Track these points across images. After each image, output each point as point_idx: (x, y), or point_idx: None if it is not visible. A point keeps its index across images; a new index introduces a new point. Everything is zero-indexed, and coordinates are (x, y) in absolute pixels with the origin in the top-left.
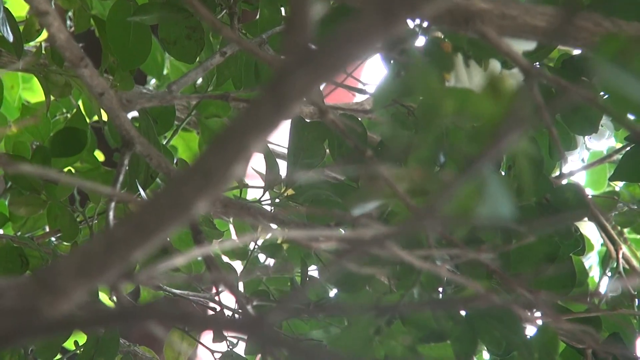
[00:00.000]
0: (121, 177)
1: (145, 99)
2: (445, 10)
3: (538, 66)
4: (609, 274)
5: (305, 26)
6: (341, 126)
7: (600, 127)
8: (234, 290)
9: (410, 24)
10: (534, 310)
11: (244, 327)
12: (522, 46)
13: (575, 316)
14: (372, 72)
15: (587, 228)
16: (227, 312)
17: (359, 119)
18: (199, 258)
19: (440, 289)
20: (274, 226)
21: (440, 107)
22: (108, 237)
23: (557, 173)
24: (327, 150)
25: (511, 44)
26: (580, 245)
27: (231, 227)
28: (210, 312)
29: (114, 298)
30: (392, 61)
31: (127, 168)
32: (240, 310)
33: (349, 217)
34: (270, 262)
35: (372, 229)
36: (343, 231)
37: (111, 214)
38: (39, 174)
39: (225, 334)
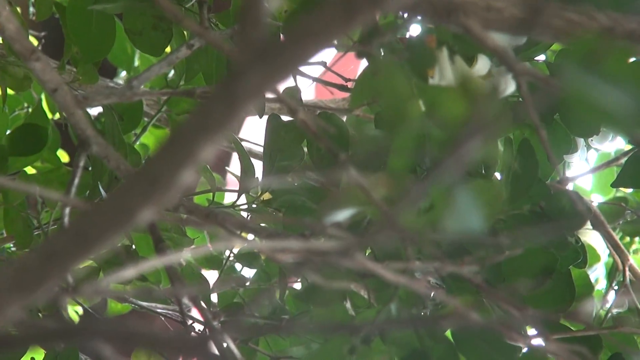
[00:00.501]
0: (76, 180)
1: (103, 95)
2: (424, 1)
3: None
4: (616, 287)
5: (260, 21)
6: (312, 127)
7: (602, 130)
8: (197, 304)
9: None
10: (523, 328)
11: (186, 348)
12: (510, 41)
13: (572, 335)
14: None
15: (593, 238)
16: (197, 327)
17: (344, 117)
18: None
19: (421, 305)
20: (248, 235)
21: (406, 110)
22: (46, 248)
23: (560, 177)
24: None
25: (498, 38)
26: (581, 256)
27: (206, 234)
28: (177, 327)
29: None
30: (370, 56)
31: (90, 169)
32: (206, 326)
33: (321, 226)
34: (248, 272)
35: (340, 239)
36: (313, 241)
37: (66, 220)
38: None
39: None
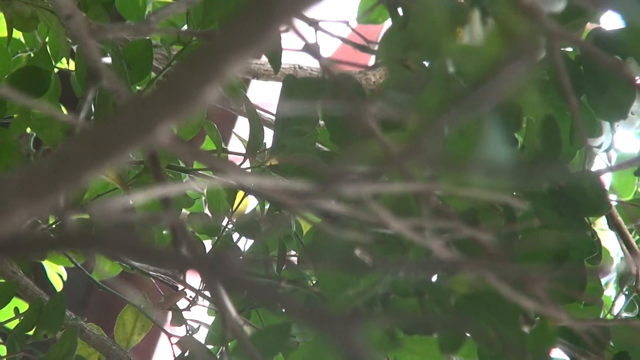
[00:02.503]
0: (83, 114)
1: (119, 27)
2: None
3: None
4: (627, 292)
5: None
6: (334, 74)
7: (630, 115)
8: (186, 234)
9: None
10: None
11: (197, 265)
12: (549, 5)
13: (580, 321)
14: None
15: (607, 238)
16: (190, 293)
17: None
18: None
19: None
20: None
21: (444, 43)
22: (60, 153)
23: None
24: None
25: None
26: (597, 251)
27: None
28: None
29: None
30: (396, 12)
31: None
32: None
33: (338, 172)
34: (246, 242)
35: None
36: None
37: None
38: None
39: (186, 316)
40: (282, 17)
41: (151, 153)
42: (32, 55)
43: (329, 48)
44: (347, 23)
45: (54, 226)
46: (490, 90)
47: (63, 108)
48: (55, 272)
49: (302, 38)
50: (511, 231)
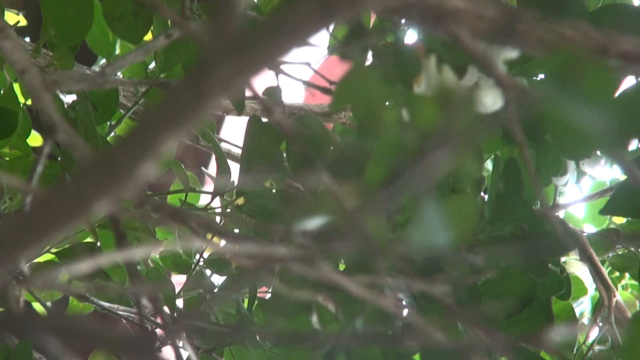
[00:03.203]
0: (39, 168)
1: (73, 80)
2: (413, 6)
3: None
4: (600, 323)
5: (234, 11)
6: (287, 129)
7: (596, 153)
8: (155, 305)
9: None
10: (494, 354)
11: (133, 347)
12: (505, 53)
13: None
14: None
15: (581, 270)
16: (159, 331)
17: (333, 122)
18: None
19: (389, 323)
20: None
21: (381, 116)
22: None
23: (551, 203)
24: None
25: (489, 50)
26: (565, 287)
27: (176, 236)
28: (137, 330)
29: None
30: (353, 59)
31: (59, 159)
32: (164, 329)
33: (289, 233)
34: (217, 278)
35: (306, 246)
36: (280, 247)
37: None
38: None
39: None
40: (214, 93)
41: (111, 216)
42: (0, 93)
43: (296, 87)
44: (309, 65)
45: None
46: (428, 166)
47: (38, 137)
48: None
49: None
50: (473, 280)
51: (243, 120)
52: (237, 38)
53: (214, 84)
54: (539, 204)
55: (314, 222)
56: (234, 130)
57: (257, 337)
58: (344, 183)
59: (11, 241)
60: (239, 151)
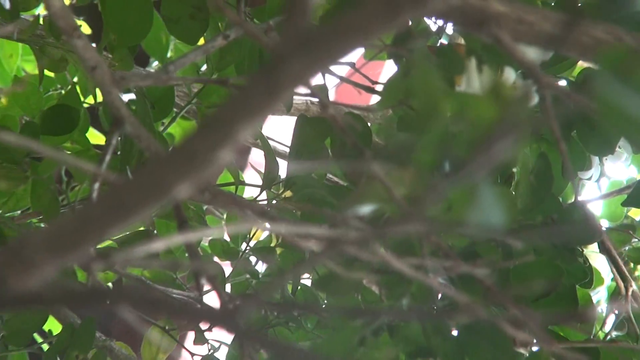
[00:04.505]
0: (107, 157)
1: (140, 77)
2: (457, 10)
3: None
4: (616, 311)
5: (305, 11)
6: (340, 122)
7: (617, 149)
8: (215, 282)
9: (428, 22)
10: (527, 332)
11: (216, 318)
12: (538, 55)
13: (571, 345)
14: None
15: (598, 261)
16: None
17: (368, 122)
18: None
19: (432, 303)
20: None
21: (438, 109)
22: (83, 214)
23: (571, 200)
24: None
25: (526, 51)
26: (588, 276)
27: (224, 225)
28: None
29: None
30: (401, 59)
31: (118, 153)
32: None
33: (341, 218)
34: (262, 265)
35: (359, 230)
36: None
37: (95, 196)
38: (22, 145)
39: (207, 336)
40: (286, 86)
41: (175, 206)
42: (62, 93)
43: (330, 86)
44: (353, 65)
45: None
46: (487, 153)
47: (98, 137)
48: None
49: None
50: (507, 265)
51: (286, 116)
52: (308, 36)
53: (286, 77)
54: (571, 196)
55: (364, 209)
56: (275, 129)
57: (316, 311)
58: (393, 171)
59: (97, 221)
60: (282, 148)
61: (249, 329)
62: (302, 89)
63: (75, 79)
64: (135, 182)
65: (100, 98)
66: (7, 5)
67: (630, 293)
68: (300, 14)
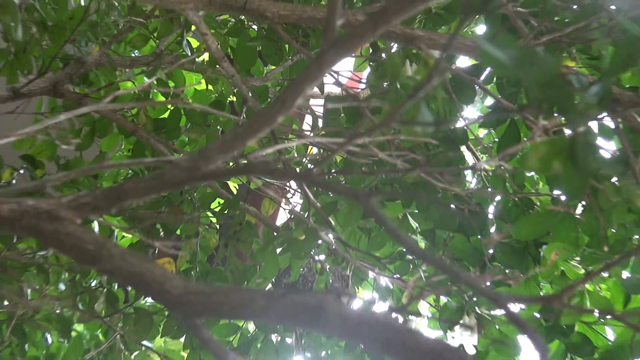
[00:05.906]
0: (243, 114)
1: (253, 81)
2: (398, 35)
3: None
4: None
5: (333, 27)
6: (355, 96)
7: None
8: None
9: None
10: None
11: (299, 176)
12: (439, 54)
13: None
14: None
15: None
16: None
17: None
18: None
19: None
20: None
21: (400, 75)
22: (234, 132)
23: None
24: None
25: (433, 53)
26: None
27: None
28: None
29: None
30: (373, 62)
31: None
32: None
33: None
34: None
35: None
36: None
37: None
38: (207, 111)
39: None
40: (327, 65)
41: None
42: (216, 95)
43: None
44: (351, 71)
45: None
46: (421, 90)
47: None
48: (233, 186)
49: (334, 77)
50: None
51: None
52: (335, 40)
53: (326, 60)
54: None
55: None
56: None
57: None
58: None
59: (241, 134)
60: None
61: (315, 180)
62: (328, 77)
63: (222, 89)
64: (255, 118)
65: (233, 98)
66: (189, 53)
67: None
68: (331, 29)
